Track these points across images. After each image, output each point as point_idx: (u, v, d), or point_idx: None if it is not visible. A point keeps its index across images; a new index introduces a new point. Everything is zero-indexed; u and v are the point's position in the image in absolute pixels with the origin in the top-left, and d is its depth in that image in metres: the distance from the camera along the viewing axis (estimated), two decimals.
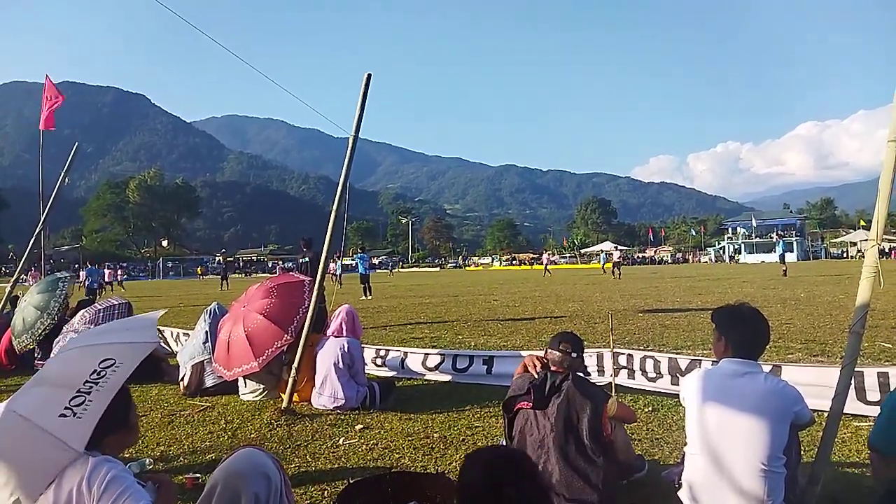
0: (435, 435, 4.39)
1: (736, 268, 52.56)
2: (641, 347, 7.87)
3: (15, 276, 7.76)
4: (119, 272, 40.31)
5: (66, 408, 1.84)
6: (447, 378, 6.33)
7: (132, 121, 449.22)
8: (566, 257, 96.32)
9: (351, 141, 5.59)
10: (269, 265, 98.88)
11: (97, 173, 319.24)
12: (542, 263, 50.51)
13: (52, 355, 6.60)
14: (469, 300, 18.85)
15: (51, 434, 1.81)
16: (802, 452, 3.04)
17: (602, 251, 62.52)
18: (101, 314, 7.11)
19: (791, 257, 79.14)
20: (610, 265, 34.15)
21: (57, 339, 7.03)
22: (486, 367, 6.20)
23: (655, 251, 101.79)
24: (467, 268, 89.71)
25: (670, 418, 4.68)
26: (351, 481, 2.90)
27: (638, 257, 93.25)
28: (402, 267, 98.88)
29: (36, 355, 7.56)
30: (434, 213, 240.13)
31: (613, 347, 5.60)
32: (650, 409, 4.95)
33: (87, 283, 23.56)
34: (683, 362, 5.22)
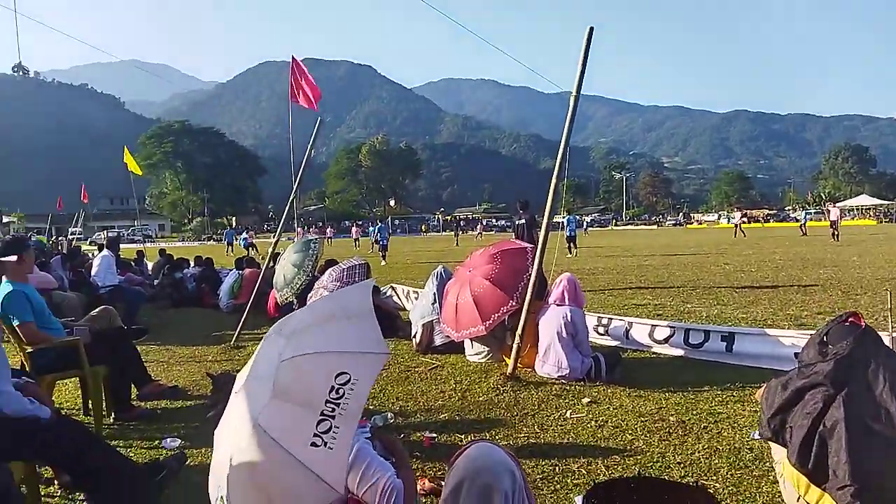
0: (671, 418, 4.08)
1: None
2: None
3: (276, 237, 8.93)
4: (356, 230, 44.85)
5: (315, 434, 1.75)
6: (678, 353, 5.87)
7: (362, 91, 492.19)
8: (811, 213, 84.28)
9: (572, 101, 5.32)
10: (484, 223, 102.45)
11: (335, 140, 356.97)
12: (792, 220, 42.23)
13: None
14: (695, 262, 17.44)
15: (309, 469, 1.74)
16: None
17: (804, 210, 53.02)
18: (345, 273, 7.90)
19: None
20: (826, 224, 28.44)
21: (310, 295, 7.99)
22: (725, 343, 5.61)
23: None
24: (689, 226, 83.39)
25: None
26: (596, 482, 2.76)
27: None
28: (616, 225, 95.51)
29: (293, 307, 8.67)
30: (650, 167, 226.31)
31: (892, 331, 4.69)
32: None
33: (378, 239, 25.08)
34: None
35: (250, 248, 32.72)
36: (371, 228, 26.51)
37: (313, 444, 1.74)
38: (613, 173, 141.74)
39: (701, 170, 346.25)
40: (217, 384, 4.93)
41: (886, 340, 4.58)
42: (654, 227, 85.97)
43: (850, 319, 2.85)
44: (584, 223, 68.31)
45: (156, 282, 12.78)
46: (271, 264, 9.76)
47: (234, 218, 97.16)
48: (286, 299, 8.71)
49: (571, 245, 22.25)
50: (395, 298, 9.96)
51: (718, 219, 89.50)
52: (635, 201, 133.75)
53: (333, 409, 1.77)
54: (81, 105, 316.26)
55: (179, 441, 4.06)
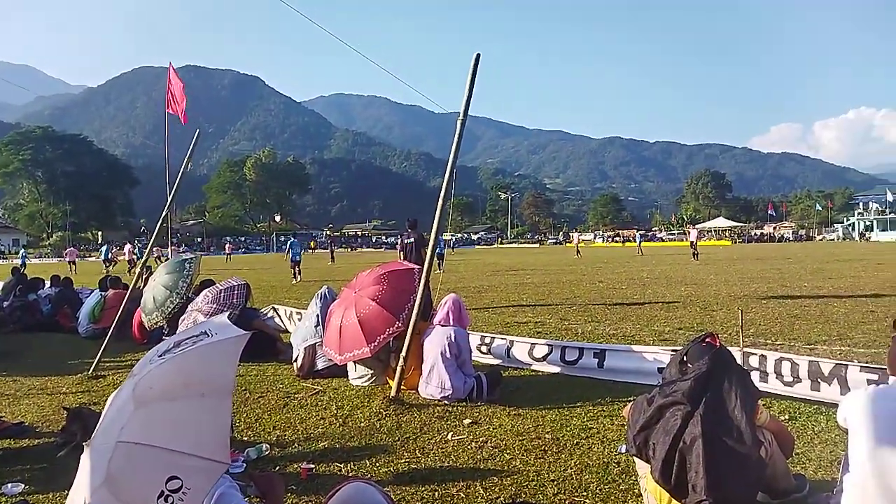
0: (547, 436, 4.20)
1: (868, 247, 47.83)
2: (770, 341, 7.26)
3: (145, 257, 8.31)
4: (228, 247, 42.83)
5: None
6: (555, 370, 6.10)
7: (248, 102, 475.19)
8: (674, 234, 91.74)
9: (459, 125, 5.43)
10: (373, 240, 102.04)
11: (218, 152, 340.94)
12: (633, 240, 47.65)
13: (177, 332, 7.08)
14: (573, 280, 18.35)
15: None
16: None
17: (635, 232, 60.10)
18: (223, 294, 7.47)
19: None
20: (635, 244, 32.28)
21: (182, 318, 7.49)
22: (597, 360, 5.91)
23: (775, 228, 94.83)
24: (568, 244, 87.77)
25: (810, 429, 4.21)
26: None
27: (754, 234, 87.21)
28: (501, 243, 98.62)
29: (164, 332, 8.08)
30: (534, 187, 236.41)
31: (743, 346, 5.16)
32: (787, 416, 4.49)
33: (290, 256, 22.80)
34: (826, 367, 4.66)
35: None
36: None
37: None
38: (499, 193, 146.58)
39: (579, 191, 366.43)
40: (71, 419, 4.46)
41: (738, 355, 5.03)
42: (537, 245, 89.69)
43: (707, 340, 3.08)
44: (452, 242, 68.63)
45: (5, 304, 11.45)
46: (139, 284, 9.08)
47: (100, 232, 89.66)
48: (156, 323, 8.10)
49: (440, 262, 23.28)
50: (277, 320, 9.59)
51: (594, 238, 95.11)
52: (520, 220, 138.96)
53: None
54: None
55: (23, 486, 3.61)
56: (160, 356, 1.97)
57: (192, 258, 8.64)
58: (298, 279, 21.03)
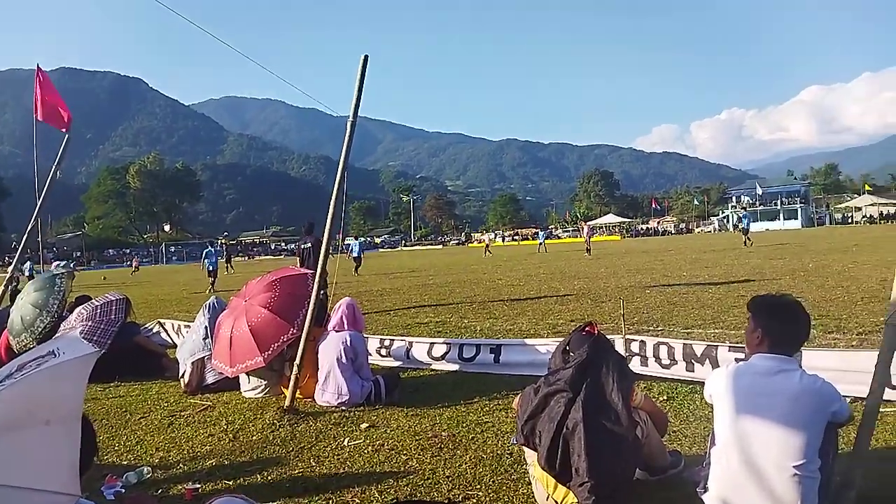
0: (443, 433, 4.22)
1: (740, 237, 52.15)
2: (651, 328, 7.72)
3: (10, 272, 7.58)
4: (135, 262, 39.93)
5: None
6: (454, 367, 6.16)
7: (130, 105, 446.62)
8: (569, 231, 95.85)
9: (349, 126, 5.34)
10: (272, 247, 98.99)
11: (97, 159, 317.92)
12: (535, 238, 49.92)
13: None
14: (472, 280, 18.67)
15: None
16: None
17: (539, 230, 62.88)
18: (98, 311, 6.93)
19: (795, 224, 79.15)
20: (536, 242, 35.04)
21: (55, 337, 6.88)
22: (493, 355, 6.02)
23: (658, 222, 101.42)
24: (470, 245, 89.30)
25: (686, 408, 4.51)
26: None
27: (641, 229, 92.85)
28: (405, 245, 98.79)
29: None
30: (435, 189, 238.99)
31: (626, 334, 5.45)
32: (665, 397, 4.78)
33: (207, 266, 21.97)
34: (699, 348, 5.03)
35: None
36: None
37: None
38: (402, 196, 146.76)
39: (479, 192, 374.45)
40: None
41: (620, 342, 5.30)
42: (440, 246, 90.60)
43: (587, 329, 3.22)
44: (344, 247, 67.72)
45: None
46: (7, 304, 8.30)
47: None
48: (25, 346, 7.37)
49: (358, 266, 24.47)
50: (164, 335, 9.04)
51: (495, 238, 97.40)
52: (423, 222, 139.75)
53: None
54: None
55: None
56: (0, 382, 1.78)
57: (63, 273, 7.95)
58: (210, 290, 19.87)
